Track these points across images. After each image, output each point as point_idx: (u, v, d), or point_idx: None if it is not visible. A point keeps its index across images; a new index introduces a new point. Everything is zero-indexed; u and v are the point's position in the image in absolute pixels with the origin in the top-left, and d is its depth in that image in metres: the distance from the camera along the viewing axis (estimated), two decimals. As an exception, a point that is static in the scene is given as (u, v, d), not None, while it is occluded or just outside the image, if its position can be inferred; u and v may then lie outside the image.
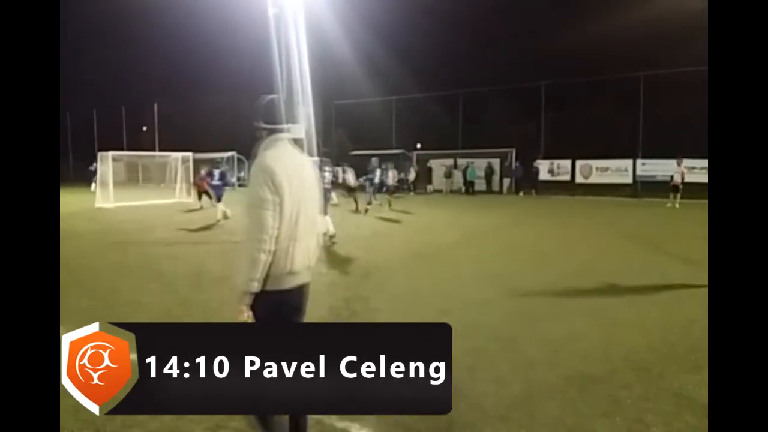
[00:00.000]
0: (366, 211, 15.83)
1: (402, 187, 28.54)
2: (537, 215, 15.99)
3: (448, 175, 28.70)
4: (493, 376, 3.77)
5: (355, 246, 9.73)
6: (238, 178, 35.55)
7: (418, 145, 33.66)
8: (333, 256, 8.66)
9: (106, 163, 20.16)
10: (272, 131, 2.53)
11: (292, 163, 2.48)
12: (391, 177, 16.52)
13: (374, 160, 17.30)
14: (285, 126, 2.55)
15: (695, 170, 23.67)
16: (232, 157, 35.64)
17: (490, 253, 9.29)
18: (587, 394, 3.47)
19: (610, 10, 30.65)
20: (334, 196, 14.36)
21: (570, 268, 7.78)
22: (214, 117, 40.54)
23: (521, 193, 25.76)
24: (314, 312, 5.34)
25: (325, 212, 9.67)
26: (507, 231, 11.72)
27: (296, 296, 2.58)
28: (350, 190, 17.36)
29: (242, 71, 37.60)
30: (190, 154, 22.65)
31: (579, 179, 26.24)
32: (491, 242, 10.45)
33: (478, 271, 7.61)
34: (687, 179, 23.47)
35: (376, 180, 16.68)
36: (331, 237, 9.90)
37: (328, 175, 10.18)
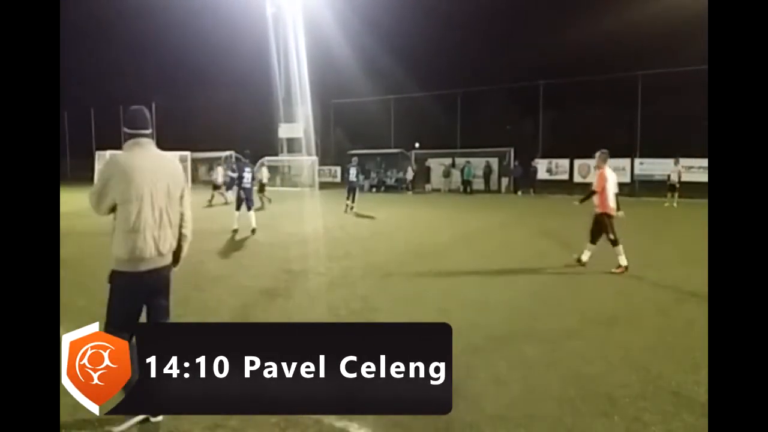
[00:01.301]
0: (350, 209, 16.02)
1: (400, 186, 28.54)
2: (535, 214, 16.00)
3: (447, 174, 28.70)
4: (491, 375, 3.78)
5: (354, 246, 9.73)
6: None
7: (417, 145, 33.66)
8: (332, 255, 8.67)
9: (104, 162, 20.15)
10: (132, 135, 2.99)
11: (143, 163, 2.91)
12: (352, 174, 16.60)
13: (354, 159, 17.43)
14: (144, 131, 3.01)
15: (693, 169, 23.73)
16: (230, 156, 35.61)
17: (489, 252, 9.30)
18: (585, 394, 3.48)
19: (609, 9, 30.67)
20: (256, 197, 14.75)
21: (568, 268, 7.79)
22: (212, 116, 40.48)
23: (519, 193, 25.78)
24: (313, 311, 5.36)
25: (249, 208, 11.21)
26: (505, 230, 11.73)
27: (148, 278, 2.95)
28: (261, 189, 17.90)
29: (241, 70, 37.58)
30: (187, 153, 22.59)
31: (577, 178, 26.27)
32: (489, 241, 10.46)
33: (476, 270, 7.61)
34: (685, 179, 23.51)
35: (352, 177, 16.79)
36: (253, 230, 11.06)
37: (247, 175, 11.26)
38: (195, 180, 28.17)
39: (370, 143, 32.68)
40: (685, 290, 6.42)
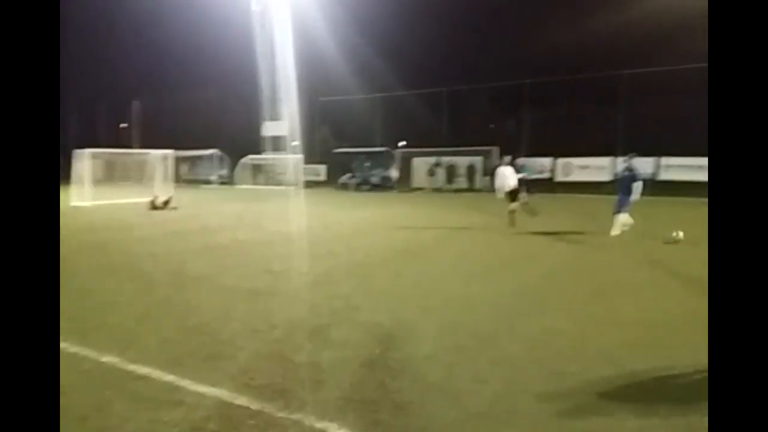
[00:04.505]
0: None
1: (386, 185, 28.53)
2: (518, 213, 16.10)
3: (432, 173, 28.77)
4: (473, 373, 3.79)
5: (337, 244, 9.70)
6: (220, 176, 35.16)
7: (402, 143, 33.66)
8: (315, 254, 8.63)
9: (84, 161, 19.75)
10: None
11: None
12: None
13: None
14: None
15: (673, 168, 24.14)
16: (214, 154, 35.26)
17: (472, 250, 9.34)
18: (565, 390, 3.51)
19: (593, 8, 31.00)
20: None
21: (548, 266, 7.86)
22: (195, 114, 40.03)
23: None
24: (295, 311, 5.33)
25: None
26: (488, 229, 11.79)
27: None
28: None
29: (225, 68, 37.19)
30: (170, 152, 22.28)
31: (560, 177, 26.55)
32: (473, 240, 10.50)
33: (459, 269, 7.64)
34: (668, 177, 23.91)
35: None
36: None
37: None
38: (178, 179, 27.78)
39: (355, 141, 32.63)
40: (661, 287, 6.52)
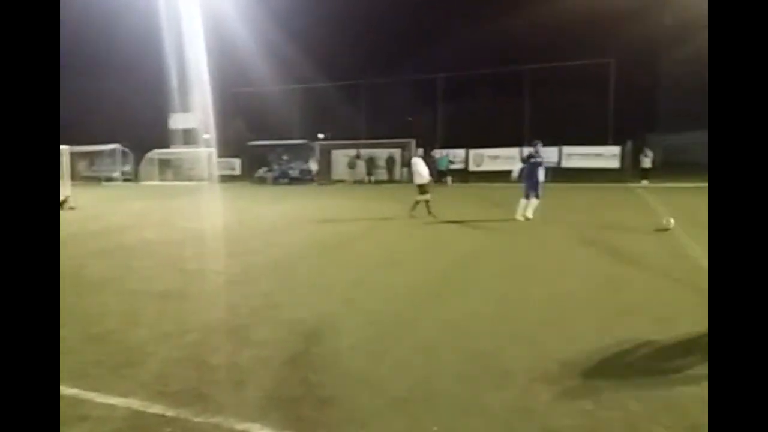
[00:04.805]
0: None
1: (305, 178, 28.12)
2: (434, 202, 16.57)
3: (352, 165, 28.78)
4: (395, 360, 3.84)
5: (255, 241, 9.41)
6: (123, 173, 32.77)
7: (321, 136, 33.32)
8: (231, 252, 8.31)
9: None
10: None
11: None
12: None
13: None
14: None
15: (574, 156, 25.99)
16: (116, 149, 32.75)
17: (392, 240, 9.47)
18: (483, 369, 3.66)
19: (503, 7, 32.48)
20: None
21: (464, 252, 8.17)
22: (94, 106, 36.85)
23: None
24: (210, 313, 5.09)
25: None
26: (408, 219, 12.01)
27: None
28: None
29: (128, 56, 34.53)
30: (65, 147, 20.37)
31: (472, 167, 27.66)
32: (393, 230, 10.66)
33: (381, 259, 7.72)
34: (569, 164, 25.69)
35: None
36: None
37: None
38: (76, 176, 25.51)
39: (273, 134, 31.80)
40: (568, 266, 7.00)
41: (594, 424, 2.91)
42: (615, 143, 25.85)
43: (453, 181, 25.59)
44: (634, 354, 3.88)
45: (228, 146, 32.86)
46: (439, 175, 25.40)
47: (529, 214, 11.29)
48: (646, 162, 23.37)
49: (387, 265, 7.23)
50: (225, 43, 31.64)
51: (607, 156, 25.41)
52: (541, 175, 11.20)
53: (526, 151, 14.34)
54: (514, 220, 11.24)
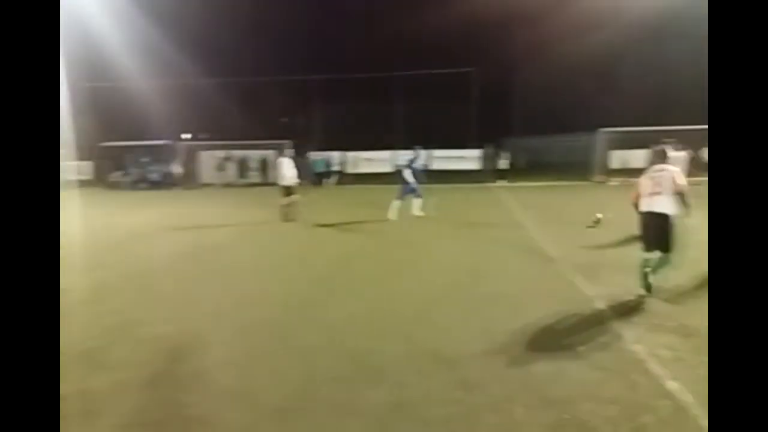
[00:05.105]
0: None
1: (167, 181, 26.11)
2: (309, 204, 16.46)
3: (221, 167, 27.36)
4: (271, 370, 3.72)
5: (109, 254, 8.50)
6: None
7: (186, 136, 31.20)
8: (81, 266, 7.39)
9: None
10: None
11: None
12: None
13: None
14: None
15: (440, 159, 27.59)
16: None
17: (265, 246, 9.19)
18: (360, 368, 3.70)
19: (374, 13, 33.31)
20: None
21: (339, 254, 8.21)
22: None
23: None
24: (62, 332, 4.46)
25: None
26: (281, 223, 11.74)
27: None
28: None
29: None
30: None
31: (349, 169, 28.02)
32: (265, 235, 10.35)
33: (252, 266, 7.44)
34: (435, 167, 27.13)
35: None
36: None
37: None
38: None
39: (130, 134, 29.00)
40: (444, 263, 7.39)
41: (463, 410, 3.10)
42: (476, 146, 28.01)
43: (331, 184, 25.68)
44: (495, 340, 4.21)
45: (77, 148, 29.22)
46: (316, 177, 25.28)
47: (417, 212, 11.98)
48: (504, 163, 25.63)
49: (258, 273, 6.99)
50: (78, 31, 28.10)
51: (469, 158, 27.42)
52: (418, 177, 11.95)
53: (406, 155, 14.89)
54: (387, 220, 11.59)
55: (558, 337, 4.21)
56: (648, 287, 5.27)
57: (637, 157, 21.47)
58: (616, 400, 3.13)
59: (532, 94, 31.53)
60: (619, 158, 22.37)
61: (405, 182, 11.83)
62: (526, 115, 31.50)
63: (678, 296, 5.23)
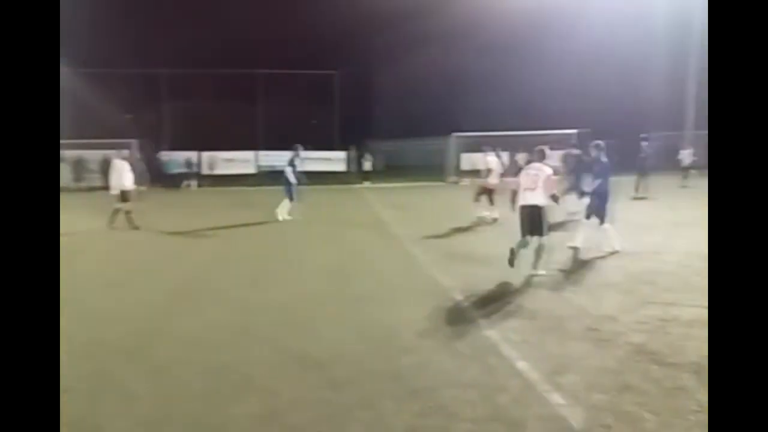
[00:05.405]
0: None
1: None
2: (162, 207, 15.22)
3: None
4: (121, 394, 3.33)
5: None
6: None
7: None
8: None
9: None
10: None
11: None
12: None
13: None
14: None
15: (306, 160, 27.43)
16: None
17: (113, 256, 8.28)
18: (224, 382, 3.49)
19: (237, 7, 31.77)
20: None
21: (198, 262, 7.72)
22: None
23: (144, 187, 23.96)
24: None
25: None
26: (132, 230, 10.62)
27: None
28: None
29: None
30: None
31: (206, 170, 26.40)
32: (113, 243, 9.31)
33: (98, 279, 6.64)
34: (302, 168, 26.78)
35: None
36: None
37: None
38: None
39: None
40: (308, 268, 7.31)
41: (334, 410, 3.08)
42: (341, 148, 28.37)
43: (189, 186, 23.91)
44: (363, 339, 4.28)
45: None
46: (171, 179, 23.37)
47: (287, 215, 11.67)
48: (368, 165, 26.34)
49: (107, 286, 6.25)
50: None
51: (334, 160, 27.70)
52: (299, 177, 11.86)
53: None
54: (253, 224, 11.18)
55: (422, 330, 4.42)
56: (512, 261, 6.12)
57: (486, 159, 23.58)
58: (475, 383, 3.38)
59: (392, 98, 32.87)
60: (468, 160, 24.28)
61: (288, 182, 11.60)
62: (388, 118, 32.73)
63: (524, 284, 5.84)
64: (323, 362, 3.78)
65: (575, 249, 7.29)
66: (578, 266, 6.66)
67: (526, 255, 6.16)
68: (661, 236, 8.52)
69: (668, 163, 20.36)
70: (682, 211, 11.70)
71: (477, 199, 11.06)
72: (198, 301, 5.52)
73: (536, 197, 6.08)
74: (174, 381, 3.53)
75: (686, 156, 19.59)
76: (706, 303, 4.77)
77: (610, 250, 7.19)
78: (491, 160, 11.27)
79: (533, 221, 6.09)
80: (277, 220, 11.45)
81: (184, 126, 28.38)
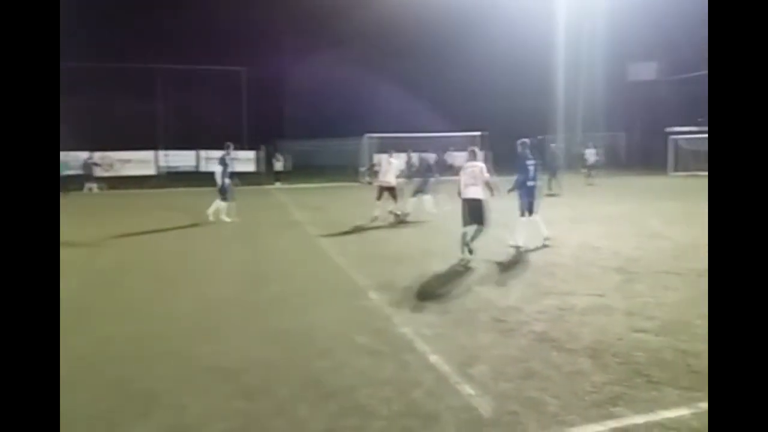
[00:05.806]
0: None
1: None
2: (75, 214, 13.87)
3: None
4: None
5: None
6: None
7: None
8: None
9: None
10: None
11: None
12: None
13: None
14: None
15: (213, 160, 26.27)
16: None
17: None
18: (127, 398, 3.23)
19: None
20: None
21: (102, 267, 7.12)
22: None
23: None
24: None
25: None
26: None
27: None
28: None
29: None
30: None
31: (99, 172, 24.32)
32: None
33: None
34: (209, 168, 25.70)
35: None
36: None
37: None
38: None
39: None
40: (229, 267, 7.00)
41: (247, 420, 2.97)
42: (250, 148, 27.46)
43: (91, 190, 21.82)
44: (276, 344, 4.17)
45: None
46: (67, 181, 21.15)
47: (225, 217, 11.20)
48: (279, 165, 25.75)
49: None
50: None
51: (243, 160, 26.73)
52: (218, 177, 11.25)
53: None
54: (151, 230, 10.50)
55: (337, 331, 4.40)
56: (470, 251, 6.72)
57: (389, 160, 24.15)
58: (390, 380, 3.42)
59: (304, 97, 32.40)
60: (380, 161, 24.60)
61: (219, 183, 11.13)
62: (299, 117, 32.23)
63: (436, 280, 6.03)
64: (234, 371, 3.63)
65: (517, 248, 7.49)
66: (487, 260, 7.00)
67: (477, 244, 6.79)
68: (559, 231, 9.22)
69: (575, 162, 22.17)
70: (581, 208, 12.75)
71: (379, 198, 11.21)
72: (95, 312, 5.07)
73: (478, 192, 6.81)
74: (68, 404, 3.20)
75: (590, 155, 21.38)
76: (598, 292, 5.23)
77: (514, 243, 7.60)
78: (392, 161, 11.73)
79: (474, 212, 6.77)
80: (195, 224, 10.88)
81: (74, 123, 25.88)
